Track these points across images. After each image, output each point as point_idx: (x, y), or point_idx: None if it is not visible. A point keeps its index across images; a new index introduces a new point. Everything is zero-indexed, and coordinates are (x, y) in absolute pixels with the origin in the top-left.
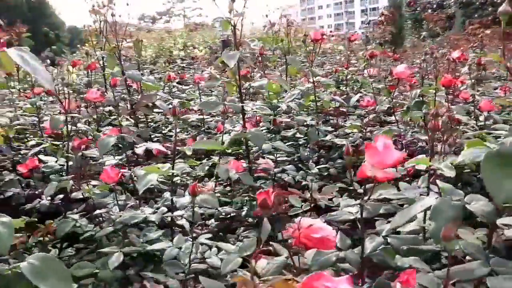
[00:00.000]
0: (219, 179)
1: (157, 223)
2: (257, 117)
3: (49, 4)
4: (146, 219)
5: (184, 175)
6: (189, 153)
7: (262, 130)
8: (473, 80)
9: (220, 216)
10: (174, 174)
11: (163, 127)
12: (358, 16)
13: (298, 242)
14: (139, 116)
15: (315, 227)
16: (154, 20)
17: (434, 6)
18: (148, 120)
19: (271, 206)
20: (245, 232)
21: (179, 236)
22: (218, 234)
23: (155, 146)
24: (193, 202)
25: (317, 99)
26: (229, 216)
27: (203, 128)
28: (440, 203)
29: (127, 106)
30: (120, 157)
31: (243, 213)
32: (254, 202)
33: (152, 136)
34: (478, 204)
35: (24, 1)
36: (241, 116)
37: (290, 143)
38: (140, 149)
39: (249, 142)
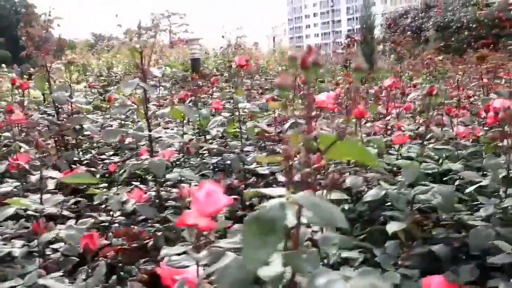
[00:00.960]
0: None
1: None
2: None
3: (39, 15)
4: (10, 253)
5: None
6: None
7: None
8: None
9: None
10: (34, 208)
11: (93, 150)
12: (345, 36)
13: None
14: (69, 139)
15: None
16: (139, 35)
17: (413, 28)
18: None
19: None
20: None
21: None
22: None
23: (52, 174)
24: (40, 243)
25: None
26: None
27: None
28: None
29: (54, 128)
30: (17, 184)
31: None
32: None
33: (82, 159)
34: None
35: (12, 12)
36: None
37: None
38: (34, 178)
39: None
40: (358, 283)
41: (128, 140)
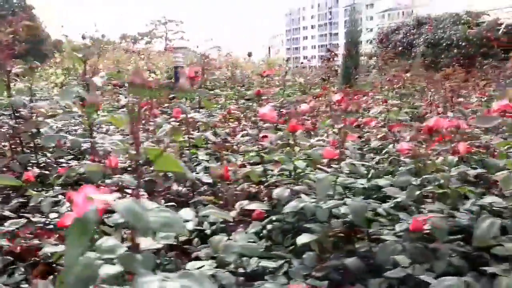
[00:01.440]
0: None
1: None
2: None
3: (36, 16)
4: None
5: None
6: None
7: None
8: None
9: None
10: None
11: (49, 153)
12: (342, 49)
13: None
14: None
15: None
16: (135, 41)
17: (405, 44)
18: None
19: None
20: None
21: None
22: None
23: None
24: None
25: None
26: None
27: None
28: None
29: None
30: None
31: None
32: None
33: (39, 162)
34: None
35: (10, 12)
36: None
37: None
38: None
39: None
40: (172, 284)
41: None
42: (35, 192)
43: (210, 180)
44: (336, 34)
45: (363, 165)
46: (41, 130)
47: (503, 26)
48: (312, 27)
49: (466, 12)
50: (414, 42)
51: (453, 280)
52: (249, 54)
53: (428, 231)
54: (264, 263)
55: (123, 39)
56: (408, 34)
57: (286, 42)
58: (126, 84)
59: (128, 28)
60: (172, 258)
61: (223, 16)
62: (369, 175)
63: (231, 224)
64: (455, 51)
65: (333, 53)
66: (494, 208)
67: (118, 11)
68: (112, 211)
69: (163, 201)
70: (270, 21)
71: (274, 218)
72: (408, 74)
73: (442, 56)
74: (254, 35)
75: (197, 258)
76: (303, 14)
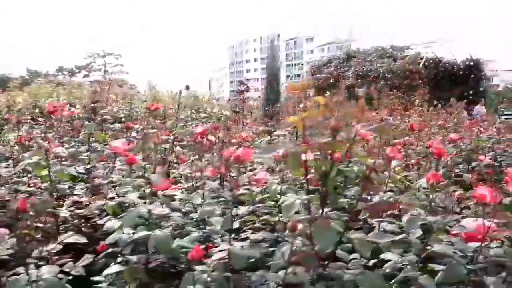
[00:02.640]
0: None
1: None
2: None
3: None
4: None
5: None
6: None
7: None
8: None
9: None
10: None
11: None
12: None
13: None
14: None
15: None
16: (72, 73)
17: (336, 76)
18: None
19: None
20: None
21: None
22: None
23: None
24: None
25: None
26: None
27: None
28: None
29: None
30: None
31: None
32: None
33: None
34: None
35: None
36: None
37: None
38: None
39: None
40: None
41: None
42: None
43: None
44: (279, 68)
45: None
46: None
47: (423, 60)
48: (255, 60)
49: (391, 46)
50: (344, 74)
51: None
52: (187, 87)
53: None
54: None
55: (59, 72)
56: (338, 67)
57: (229, 75)
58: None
59: (64, 60)
60: None
61: (164, 47)
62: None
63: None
64: (382, 82)
65: (246, 86)
66: None
67: (56, 46)
68: None
69: None
70: (213, 54)
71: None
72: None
73: (372, 87)
74: (196, 68)
75: None
76: (245, 47)
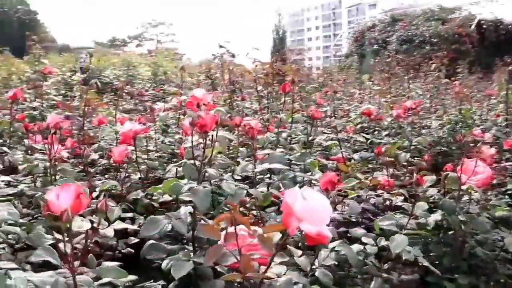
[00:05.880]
0: None
1: None
2: None
3: (41, 22)
4: None
5: None
6: None
7: None
8: None
9: None
10: None
11: None
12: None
13: None
14: None
15: None
16: (125, 43)
17: (379, 41)
18: None
19: None
20: None
21: None
22: None
23: None
24: None
25: None
26: None
27: None
28: None
29: None
30: None
31: None
32: None
33: None
34: None
35: (15, 18)
36: None
37: None
38: None
39: None
40: None
41: None
42: None
43: None
44: (340, 24)
45: None
46: None
47: (475, 21)
48: (317, 28)
49: (440, 8)
50: (388, 39)
51: None
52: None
53: None
54: None
55: (113, 42)
56: (382, 32)
57: (290, 43)
58: None
59: (118, 31)
60: None
61: (222, 18)
62: None
63: None
64: (428, 47)
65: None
66: None
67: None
68: None
69: None
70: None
71: None
72: None
73: (415, 53)
74: (255, 37)
75: None
76: (307, 15)
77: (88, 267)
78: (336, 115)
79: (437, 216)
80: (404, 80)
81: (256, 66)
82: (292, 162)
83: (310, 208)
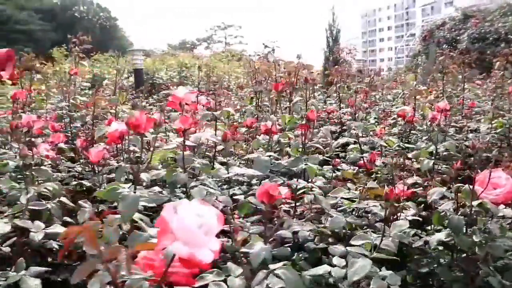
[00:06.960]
0: None
1: None
2: None
3: (119, 27)
4: None
5: None
6: None
7: None
8: None
9: None
10: None
11: None
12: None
13: None
14: None
15: None
16: (194, 46)
17: (449, 40)
18: None
19: None
20: None
21: None
22: None
23: None
24: None
25: None
26: None
27: None
28: None
29: None
30: None
31: None
32: None
33: None
34: None
35: (97, 25)
36: None
37: None
38: None
39: None
40: None
41: None
42: None
43: None
44: (413, 34)
45: None
46: None
47: None
48: (389, 28)
49: None
50: (459, 38)
51: None
52: (298, 56)
53: None
54: None
55: (182, 45)
56: (452, 30)
57: (362, 44)
58: None
59: (188, 35)
60: None
61: (290, 21)
62: None
63: None
64: (502, 45)
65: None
66: None
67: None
68: None
69: None
70: (345, 24)
71: None
72: None
73: (488, 51)
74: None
75: None
76: (379, 15)
77: None
78: (356, 117)
79: (441, 235)
80: (457, 79)
81: (278, 65)
82: (286, 167)
83: (184, 226)
